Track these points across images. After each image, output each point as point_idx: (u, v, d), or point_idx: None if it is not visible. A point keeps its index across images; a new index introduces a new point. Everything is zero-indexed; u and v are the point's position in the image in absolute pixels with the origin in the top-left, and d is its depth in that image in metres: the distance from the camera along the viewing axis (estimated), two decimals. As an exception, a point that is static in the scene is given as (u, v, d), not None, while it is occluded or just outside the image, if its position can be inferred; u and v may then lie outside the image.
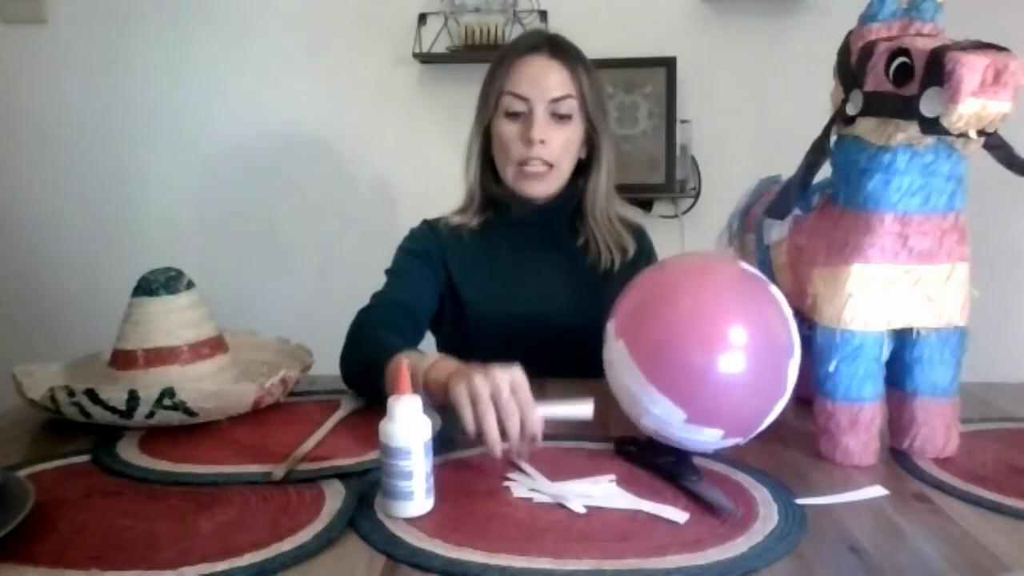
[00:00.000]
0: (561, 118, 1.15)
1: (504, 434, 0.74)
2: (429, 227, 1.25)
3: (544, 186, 1.17)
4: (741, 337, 0.73)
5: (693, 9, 2.13)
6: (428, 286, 1.19)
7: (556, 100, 1.13)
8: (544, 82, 1.13)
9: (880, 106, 0.74)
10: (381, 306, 1.13)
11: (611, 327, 0.81)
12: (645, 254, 1.26)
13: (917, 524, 0.66)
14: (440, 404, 0.83)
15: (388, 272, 1.21)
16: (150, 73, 2.26)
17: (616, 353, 0.78)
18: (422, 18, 2.16)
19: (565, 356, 1.15)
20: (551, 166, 1.15)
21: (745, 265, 0.81)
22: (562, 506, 0.69)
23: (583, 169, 1.21)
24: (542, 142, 1.13)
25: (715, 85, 2.14)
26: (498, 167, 1.20)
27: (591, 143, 1.20)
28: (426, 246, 1.21)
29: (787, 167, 0.87)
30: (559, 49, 1.16)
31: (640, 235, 1.29)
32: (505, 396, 0.74)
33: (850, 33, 0.79)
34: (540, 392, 1.05)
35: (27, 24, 2.25)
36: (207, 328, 1.02)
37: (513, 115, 1.15)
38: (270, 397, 0.95)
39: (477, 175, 1.21)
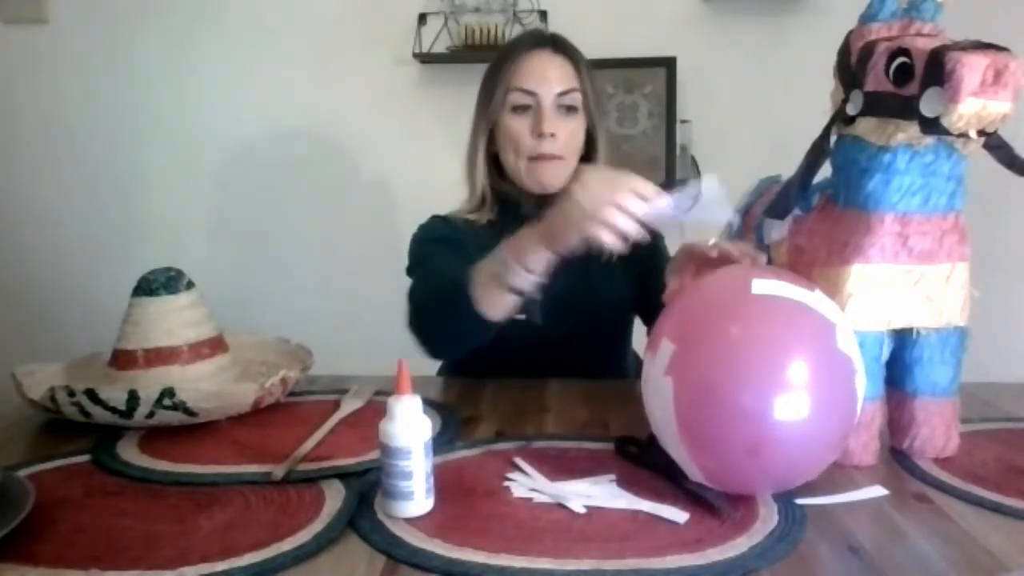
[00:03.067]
0: (568, 110, 1.16)
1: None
2: (442, 219, 1.25)
3: (556, 173, 1.17)
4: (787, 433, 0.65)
5: (693, 9, 2.13)
6: (463, 266, 1.17)
7: (562, 93, 1.15)
8: (550, 76, 1.15)
9: (880, 106, 0.74)
10: (428, 287, 1.10)
11: (665, 352, 0.70)
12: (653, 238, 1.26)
13: (917, 524, 0.66)
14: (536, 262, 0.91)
15: (413, 267, 1.19)
16: (150, 73, 2.26)
17: (660, 386, 0.69)
18: (422, 18, 2.16)
19: (577, 347, 1.15)
20: (560, 158, 1.16)
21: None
22: (562, 506, 0.69)
23: (586, 162, 1.22)
24: (552, 135, 1.14)
25: (715, 85, 2.14)
26: (505, 163, 1.20)
27: (589, 139, 1.21)
28: (446, 234, 1.20)
29: (787, 167, 0.87)
30: (561, 45, 1.19)
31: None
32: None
33: (850, 33, 0.79)
34: (541, 392, 1.06)
35: (27, 24, 2.25)
36: (207, 328, 1.02)
37: (520, 110, 1.16)
38: (270, 397, 0.95)
39: (485, 174, 1.22)
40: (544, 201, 1.20)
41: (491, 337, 1.01)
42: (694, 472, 0.70)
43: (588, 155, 1.22)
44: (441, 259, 1.15)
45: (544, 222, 0.91)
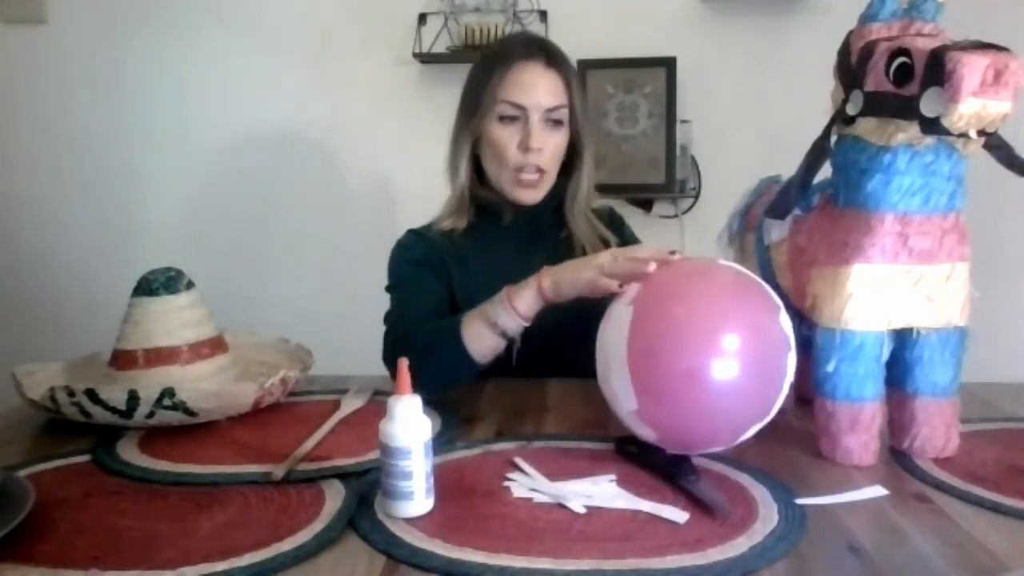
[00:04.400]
0: (555, 124, 1.17)
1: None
2: (417, 235, 1.25)
3: (537, 193, 1.19)
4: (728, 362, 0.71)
5: (693, 9, 2.13)
6: (438, 290, 1.19)
7: (551, 109, 1.16)
8: (540, 91, 1.15)
9: (880, 106, 0.74)
10: (405, 320, 1.12)
11: (631, 290, 0.80)
12: (625, 239, 1.29)
13: (917, 524, 0.66)
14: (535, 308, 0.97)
15: (391, 288, 1.20)
16: (150, 73, 2.26)
17: (620, 314, 0.78)
18: (422, 18, 2.16)
19: (562, 352, 1.15)
20: (543, 172, 1.17)
21: (741, 271, 0.81)
22: (562, 506, 0.69)
23: (564, 169, 1.23)
24: (539, 150, 1.15)
25: (715, 85, 2.14)
26: (489, 172, 1.20)
27: (573, 147, 1.22)
28: (423, 253, 1.21)
29: (787, 167, 0.87)
30: (553, 58, 1.18)
31: (614, 222, 1.31)
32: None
33: (850, 33, 0.79)
34: (541, 392, 1.06)
35: (27, 24, 2.25)
36: (207, 328, 1.02)
37: (508, 120, 1.16)
38: (270, 397, 0.95)
39: (467, 178, 1.22)
40: (525, 210, 1.21)
41: (472, 379, 1.03)
42: (629, 400, 0.74)
43: (572, 162, 1.23)
44: (416, 292, 1.16)
45: (554, 270, 0.96)
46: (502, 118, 1.16)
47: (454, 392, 1.04)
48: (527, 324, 0.98)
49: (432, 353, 1.00)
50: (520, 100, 1.15)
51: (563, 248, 1.22)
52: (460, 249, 1.21)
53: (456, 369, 1.01)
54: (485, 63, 1.20)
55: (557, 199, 1.24)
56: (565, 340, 1.12)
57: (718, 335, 0.72)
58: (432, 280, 1.19)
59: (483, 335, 0.99)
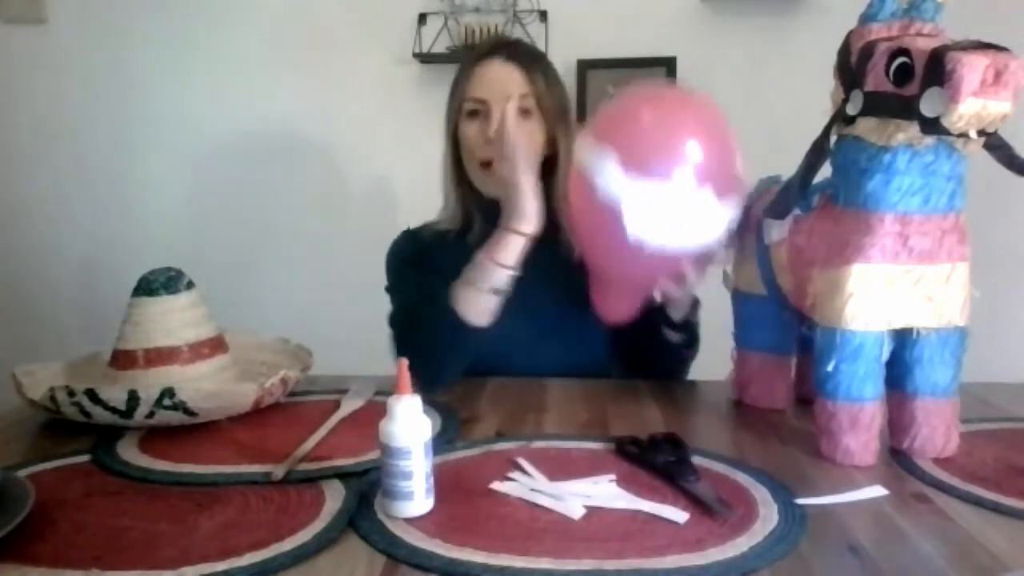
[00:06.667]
0: (520, 114, 1.16)
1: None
2: (410, 236, 1.26)
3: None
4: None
5: (693, 9, 2.13)
6: (434, 286, 1.19)
7: (511, 99, 1.15)
8: (499, 83, 1.16)
9: (880, 106, 0.74)
10: (405, 320, 1.14)
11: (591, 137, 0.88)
12: None
13: (917, 524, 0.66)
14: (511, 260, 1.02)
15: (389, 289, 1.22)
16: (150, 73, 2.27)
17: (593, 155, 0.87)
18: (422, 18, 2.16)
19: (561, 351, 1.15)
20: None
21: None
22: (562, 506, 0.69)
23: (551, 168, 1.22)
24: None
25: (715, 85, 2.13)
26: (467, 172, 1.22)
27: (553, 143, 1.21)
28: (412, 252, 1.22)
29: (787, 167, 0.87)
30: (516, 52, 1.19)
31: None
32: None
33: (850, 33, 0.79)
34: (541, 392, 1.06)
35: (27, 24, 2.25)
36: (207, 328, 1.02)
37: (472, 116, 1.18)
38: (270, 397, 0.95)
39: (455, 185, 1.23)
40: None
41: (481, 347, 1.04)
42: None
43: (555, 158, 1.21)
44: (414, 291, 1.17)
45: (505, 212, 1.03)
46: (468, 115, 1.18)
47: (454, 391, 1.04)
48: (517, 273, 1.01)
49: (435, 341, 1.01)
50: (480, 94, 1.16)
51: (561, 249, 1.22)
52: (453, 249, 1.21)
53: (459, 344, 1.03)
54: (458, 71, 1.22)
55: (547, 201, 1.23)
56: (562, 338, 1.12)
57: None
58: (426, 278, 1.19)
59: (477, 301, 1.01)
